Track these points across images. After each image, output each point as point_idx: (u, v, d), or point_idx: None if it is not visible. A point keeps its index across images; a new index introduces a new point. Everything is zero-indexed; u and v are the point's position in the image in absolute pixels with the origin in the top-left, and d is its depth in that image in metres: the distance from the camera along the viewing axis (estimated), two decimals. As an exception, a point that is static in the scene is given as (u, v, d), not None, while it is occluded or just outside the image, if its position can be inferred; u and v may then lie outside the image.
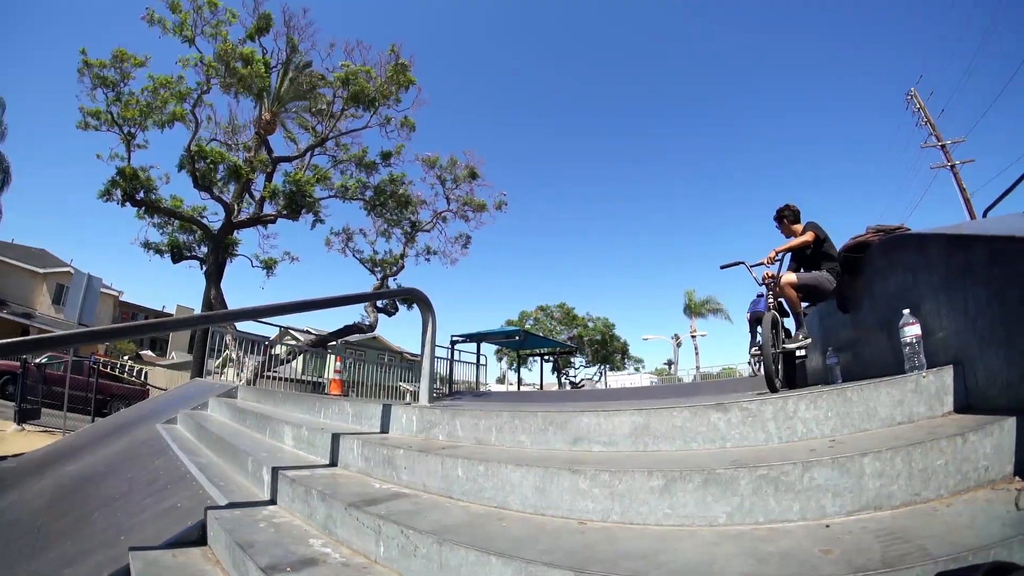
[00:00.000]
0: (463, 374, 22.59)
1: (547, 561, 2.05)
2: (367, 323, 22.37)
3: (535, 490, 2.78)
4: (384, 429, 4.74)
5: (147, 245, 20.37)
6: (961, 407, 3.13)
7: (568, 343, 41.39)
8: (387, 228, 23.75)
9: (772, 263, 6.08)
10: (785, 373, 6.13)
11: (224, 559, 3.12)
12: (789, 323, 6.28)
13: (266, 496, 3.91)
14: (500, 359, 49.72)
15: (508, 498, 2.88)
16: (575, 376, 46.19)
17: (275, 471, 3.85)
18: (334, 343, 22.01)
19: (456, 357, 21.85)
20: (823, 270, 5.87)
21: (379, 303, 22.85)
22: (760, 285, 6.17)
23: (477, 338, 23.46)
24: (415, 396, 22.30)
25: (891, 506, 2.32)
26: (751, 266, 6.24)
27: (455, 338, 22.23)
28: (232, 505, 3.69)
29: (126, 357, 49.08)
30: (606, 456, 3.20)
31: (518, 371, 35.65)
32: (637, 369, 56.68)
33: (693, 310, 54.22)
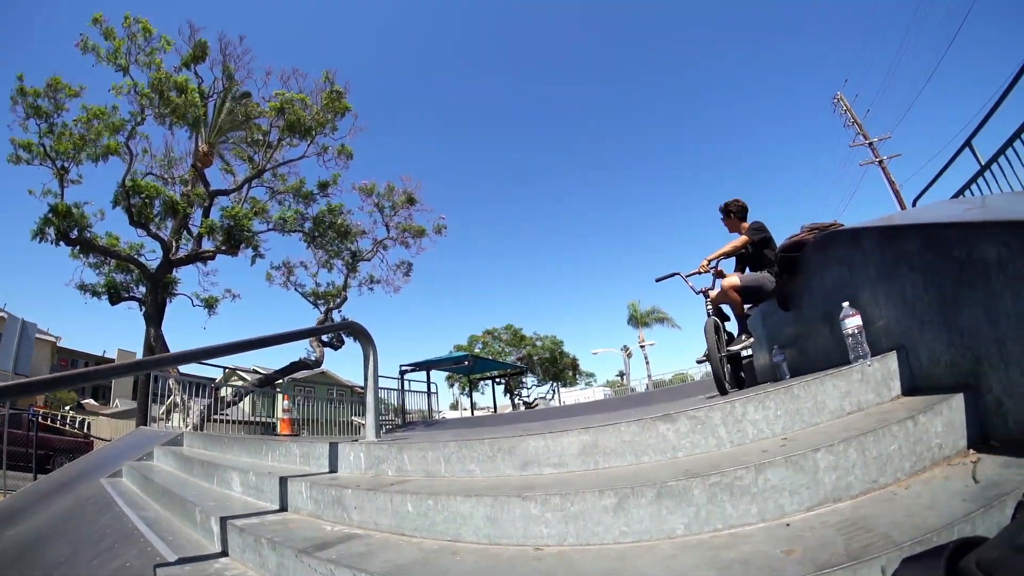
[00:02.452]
0: (415, 403, 22.50)
1: (502, 594, 2.03)
2: (313, 358, 22.07)
3: (487, 520, 2.77)
4: (333, 468, 4.68)
5: (83, 287, 19.71)
6: (908, 390, 3.25)
7: (518, 363, 41.44)
8: (328, 259, 23.59)
9: (706, 271, 6.19)
10: (733, 374, 6.23)
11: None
12: (731, 326, 6.36)
13: (217, 548, 3.81)
14: (451, 385, 49.58)
15: (461, 530, 2.86)
16: (528, 396, 46.27)
17: (223, 521, 3.77)
18: (281, 381, 21.74)
19: (407, 387, 21.76)
20: (764, 271, 5.97)
21: (324, 337, 22.58)
22: (697, 294, 6.25)
23: (426, 366, 23.45)
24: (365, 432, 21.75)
25: (850, 496, 2.36)
26: (686, 276, 6.31)
27: (404, 368, 22.23)
28: (182, 560, 3.59)
29: (67, 407, 47.62)
30: (557, 478, 3.21)
31: (470, 396, 35.61)
32: (589, 383, 57.06)
33: (639, 320, 54.66)
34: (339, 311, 23.38)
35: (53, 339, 46.94)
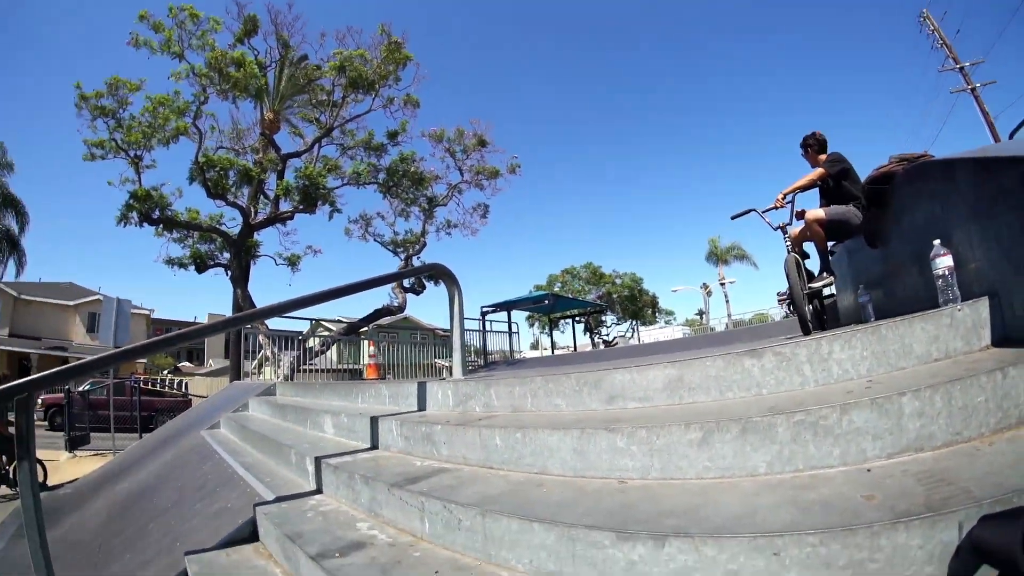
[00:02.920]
0: (496, 344, 22.70)
1: (589, 524, 2.04)
2: (396, 304, 22.46)
3: (573, 452, 2.77)
4: (421, 407, 4.74)
5: (170, 261, 20.53)
6: (999, 340, 3.06)
7: (597, 302, 41.31)
8: (404, 208, 23.83)
9: (782, 206, 5.96)
10: (815, 314, 6.05)
11: (276, 552, 3.16)
12: (811, 264, 6.16)
13: (312, 486, 3.95)
14: (532, 325, 49.88)
15: (547, 463, 2.88)
16: (608, 334, 46.16)
17: (318, 461, 3.89)
18: (365, 329, 22.16)
19: (488, 328, 21.96)
20: (849, 204, 5.69)
21: (406, 283, 22.99)
22: (774, 230, 6.04)
23: (507, 307, 23.66)
24: (451, 371, 21.94)
25: (932, 447, 2.27)
26: (762, 212, 6.09)
27: (485, 309, 22.62)
28: (279, 499, 3.72)
29: (165, 372, 49.89)
30: (642, 412, 3.17)
31: (550, 335, 35.73)
32: (668, 322, 56.65)
33: (719, 257, 53.84)
34: (418, 257, 23.67)
35: (147, 312, 49.27)
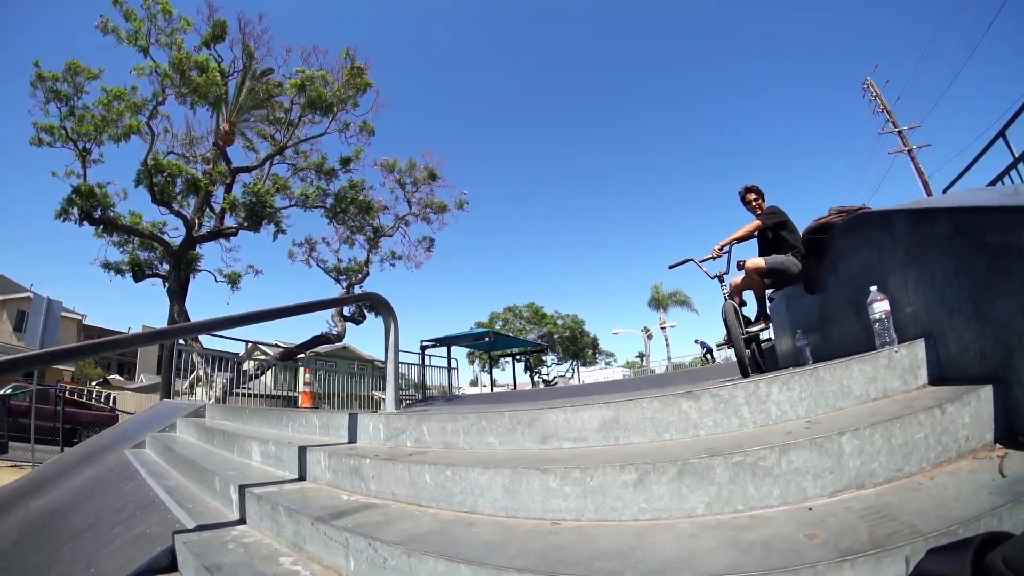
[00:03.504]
0: (435, 379, 22.60)
1: (519, 566, 2.01)
2: (335, 332, 22.27)
3: (505, 492, 2.74)
4: (352, 439, 4.68)
5: (107, 265, 20.06)
6: (935, 379, 3.13)
7: (538, 341, 41.39)
8: (350, 235, 23.80)
9: (719, 256, 6.18)
10: (753, 358, 6.17)
11: (193, 581, 3.05)
12: (748, 311, 6.33)
13: (235, 516, 3.83)
14: (472, 362, 49.85)
15: (478, 502, 2.83)
16: (548, 374, 46.27)
17: (242, 489, 3.79)
18: (303, 355, 21.90)
19: (427, 362, 21.85)
20: (788, 254, 5.88)
21: (346, 312, 22.82)
22: (712, 279, 6.23)
23: (447, 342, 23.58)
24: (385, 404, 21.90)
25: (874, 484, 2.30)
26: (700, 261, 6.29)
27: (425, 343, 22.39)
28: (201, 527, 3.60)
29: (94, 383, 48.33)
30: (577, 453, 3.16)
31: (490, 373, 35.62)
32: (608, 363, 57.24)
33: (660, 303, 54.86)
34: (360, 286, 23.54)
35: (79, 317, 47.68)
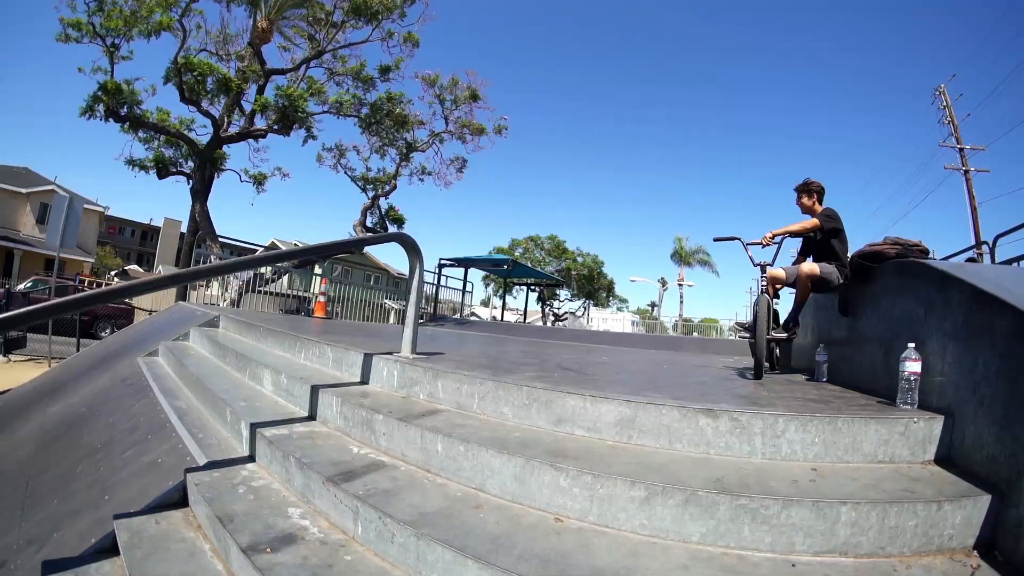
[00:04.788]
0: (448, 296, 22.65)
1: (522, 572, 2.08)
2: (355, 241, 21.99)
3: (515, 479, 2.81)
4: (364, 379, 4.71)
5: (131, 162, 19.89)
6: (941, 459, 3.14)
7: (556, 276, 41.19)
8: (381, 146, 23.36)
9: (768, 244, 5.96)
10: (771, 354, 6.16)
11: (205, 525, 3.10)
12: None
13: (244, 451, 3.90)
14: (487, 285, 49.76)
15: (486, 482, 2.91)
16: (559, 308, 46.26)
17: (253, 428, 3.83)
18: (319, 264, 21.90)
19: (443, 283, 21.87)
20: (832, 264, 5.73)
21: (368, 222, 22.62)
22: (755, 266, 5.99)
23: (465, 263, 23.51)
24: (400, 317, 22.42)
25: (856, 554, 2.40)
26: (746, 243, 6.07)
27: (443, 261, 22.32)
28: (211, 465, 3.64)
29: (112, 273, 48.87)
30: (588, 444, 3.23)
31: (503, 298, 35.56)
32: (620, 309, 57.23)
33: (683, 258, 54.41)
34: (387, 199, 23.43)
35: (101, 209, 48.08)
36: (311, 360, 5.67)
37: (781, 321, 6.22)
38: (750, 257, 6.05)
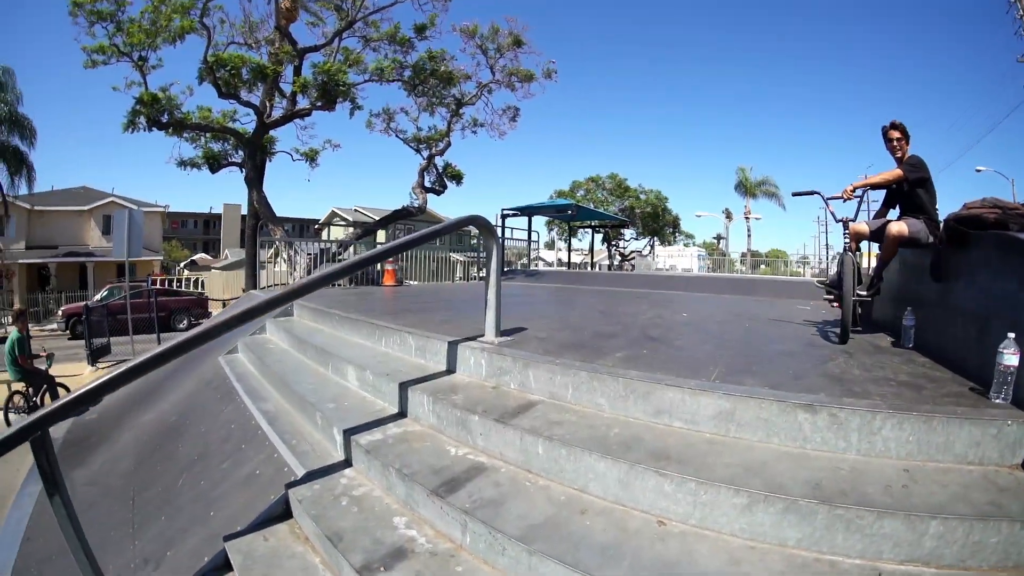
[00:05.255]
0: (513, 244, 22.76)
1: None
2: (416, 205, 22.06)
3: (619, 483, 2.85)
4: (450, 368, 4.72)
5: (182, 163, 20.21)
6: None
7: (619, 215, 40.57)
8: (430, 104, 22.83)
9: (850, 198, 5.69)
10: (853, 314, 5.89)
11: (314, 540, 3.18)
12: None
13: (340, 455, 3.96)
14: (551, 230, 49.41)
15: (589, 484, 2.95)
16: (625, 248, 45.71)
17: (347, 435, 3.88)
18: (385, 230, 22.01)
19: (508, 236, 21.83)
20: (920, 218, 5.45)
21: (426, 183, 22.48)
22: (837, 222, 5.79)
23: (528, 211, 23.50)
24: (465, 271, 22.60)
25: (938, 565, 2.42)
26: (827, 199, 5.87)
27: (506, 211, 22.41)
28: (309, 476, 3.70)
29: (181, 265, 50.16)
30: (687, 437, 3.25)
31: (569, 241, 35.24)
32: (687, 244, 56.37)
33: (748, 190, 53.22)
34: (442, 157, 23.07)
35: (162, 208, 49.30)
36: (392, 348, 5.66)
37: (863, 278, 5.93)
38: (831, 212, 5.88)
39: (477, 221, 5.10)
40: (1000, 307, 3.88)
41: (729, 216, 55.08)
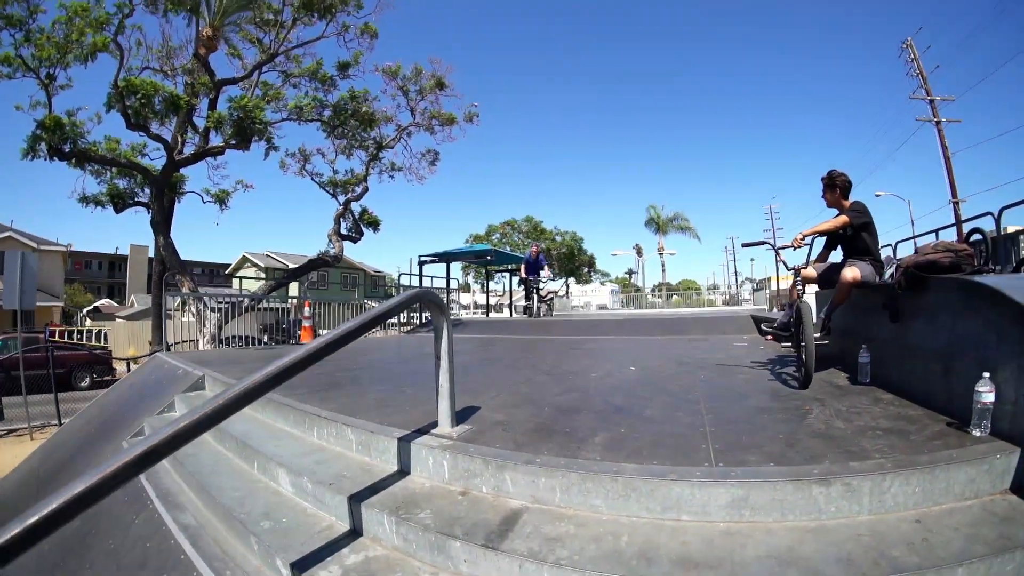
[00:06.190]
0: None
1: None
2: (332, 254, 21.64)
3: None
4: (403, 468, 4.02)
5: (85, 199, 19.23)
6: (1016, 487, 3.33)
7: (537, 259, 41.23)
8: (348, 146, 22.63)
9: (800, 247, 6.02)
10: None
11: None
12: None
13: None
14: (467, 274, 49.91)
15: None
16: (542, 288, 46.12)
17: (295, 570, 3.13)
18: (299, 281, 21.56)
19: (425, 283, 21.73)
20: (866, 260, 5.79)
21: (343, 230, 22.36)
22: (789, 271, 6.09)
23: (447, 258, 23.57)
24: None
25: None
26: (778, 248, 6.15)
27: (423, 258, 22.31)
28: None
29: (84, 311, 47.88)
30: (701, 532, 3.04)
31: (486, 284, 35.65)
32: (602, 282, 58.32)
33: (660, 226, 55.42)
34: (359, 202, 22.94)
35: (63, 248, 46.98)
36: (328, 441, 4.88)
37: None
38: (783, 262, 6.34)
39: (427, 295, 4.58)
40: (964, 345, 4.27)
41: (640, 252, 57.05)
